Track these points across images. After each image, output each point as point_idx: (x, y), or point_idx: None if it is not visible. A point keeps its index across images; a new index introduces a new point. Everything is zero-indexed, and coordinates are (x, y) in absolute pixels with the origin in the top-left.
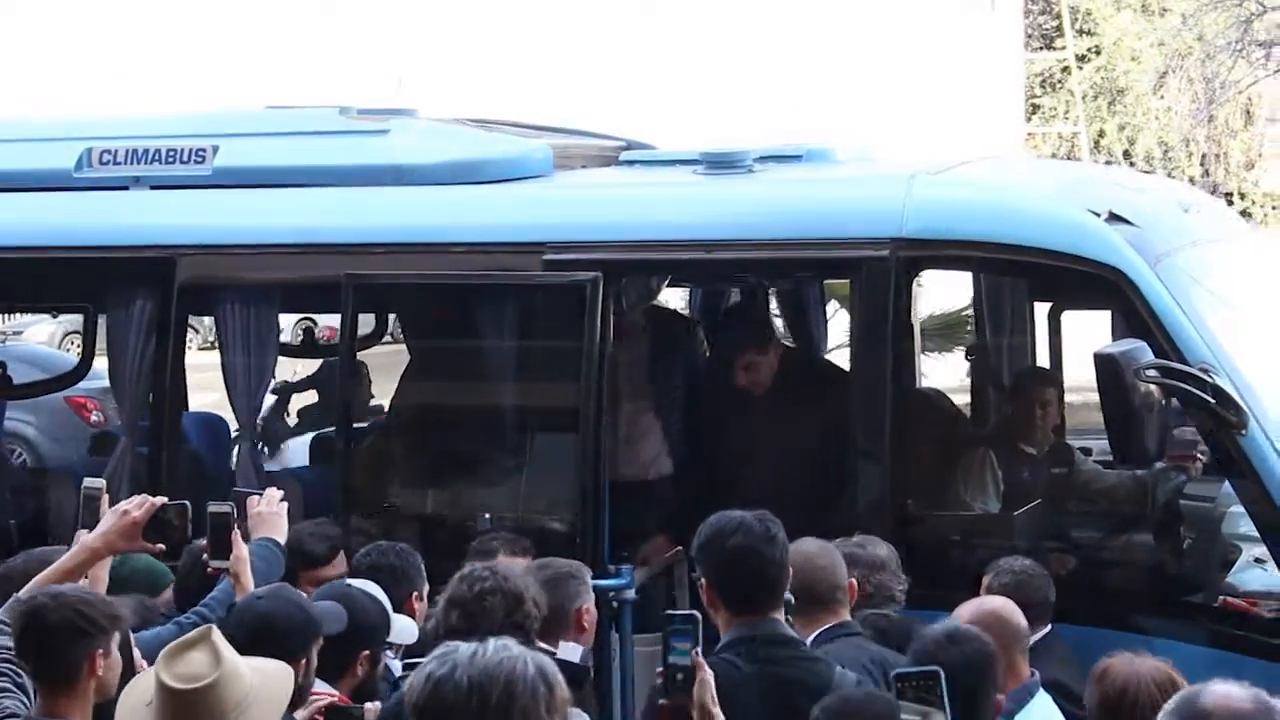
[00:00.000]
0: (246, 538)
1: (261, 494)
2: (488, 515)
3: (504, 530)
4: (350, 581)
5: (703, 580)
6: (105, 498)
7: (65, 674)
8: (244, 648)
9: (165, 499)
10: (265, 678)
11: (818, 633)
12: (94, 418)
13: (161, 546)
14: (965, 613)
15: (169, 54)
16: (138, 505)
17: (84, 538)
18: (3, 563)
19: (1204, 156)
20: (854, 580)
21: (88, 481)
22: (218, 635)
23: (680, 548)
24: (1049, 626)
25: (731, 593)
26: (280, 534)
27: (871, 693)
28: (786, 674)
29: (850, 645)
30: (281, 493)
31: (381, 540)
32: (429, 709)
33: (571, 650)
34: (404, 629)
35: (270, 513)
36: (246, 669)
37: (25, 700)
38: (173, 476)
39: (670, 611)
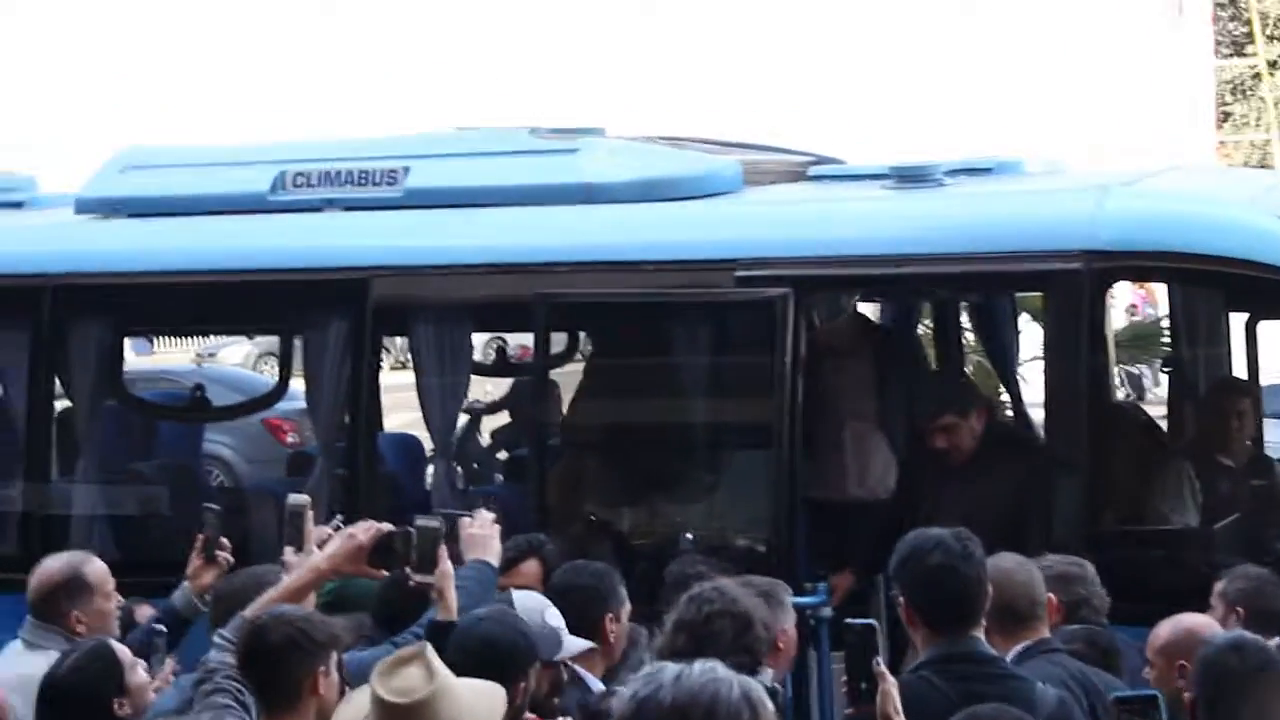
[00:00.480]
0: (458, 559)
1: (473, 515)
2: (689, 535)
3: (701, 548)
4: (516, 595)
5: (901, 598)
6: (310, 514)
7: (287, 692)
8: (465, 669)
9: (390, 525)
10: (478, 696)
11: (1017, 650)
12: (290, 439)
13: (385, 572)
14: (1163, 631)
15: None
16: (364, 530)
17: (311, 559)
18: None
19: None
20: (1052, 596)
21: (292, 498)
22: (431, 652)
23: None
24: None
25: (930, 611)
26: (493, 555)
27: (1000, 707)
28: (985, 692)
29: (1051, 662)
30: (493, 515)
31: (578, 559)
32: None
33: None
34: (574, 648)
35: (483, 534)
36: (461, 687)
37: (248, 718)
38: (370, 497)
39: (849, 621)
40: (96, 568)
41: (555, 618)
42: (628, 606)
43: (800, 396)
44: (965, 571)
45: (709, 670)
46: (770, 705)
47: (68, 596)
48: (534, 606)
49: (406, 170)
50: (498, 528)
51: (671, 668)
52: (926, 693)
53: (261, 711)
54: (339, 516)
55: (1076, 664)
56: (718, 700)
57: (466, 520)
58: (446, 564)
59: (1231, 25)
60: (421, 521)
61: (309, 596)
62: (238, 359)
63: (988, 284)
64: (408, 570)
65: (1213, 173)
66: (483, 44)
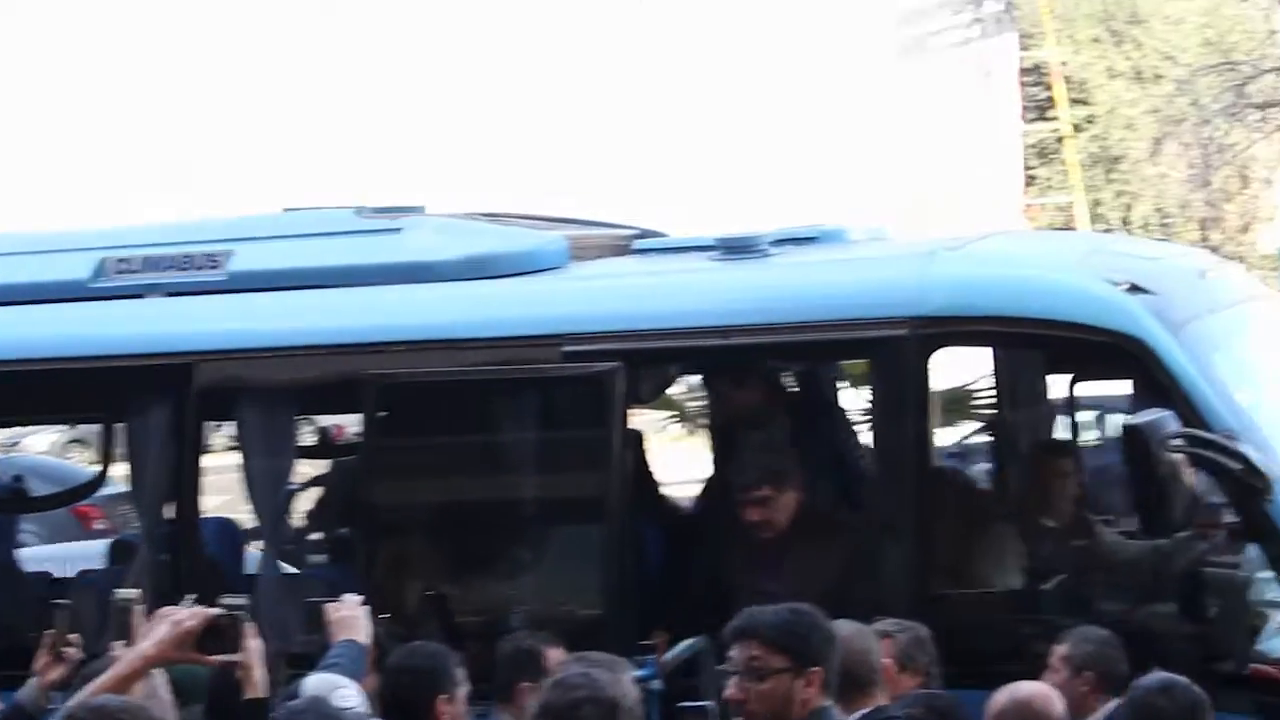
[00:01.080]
0: (327, 643)
1: (338, 600)
2: (519, 612)
3: (533, 624)
4: (307, 680)
5: (815, 669)
6: (138, 608)
7: None
8: None
9: (219, 609)
10: None
11: (857, 716)
12: (97, 526)
13: (215, 658)
14: (1000, 699)
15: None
16: (192, 614)
17: (139, 646)
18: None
19: (1201, 221)
20: (889, 661)
21: (120, 592)
22: None
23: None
24: (1118, 699)
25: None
26: (361, 635)
27: None
28: None
29: None
30: (360, 597)
31: (413, 640)
32: None
33: None
34: None
35: (351, 615)
36: None
37: None
38: (192, 583)
39: (682, 705)
40: None
41: (345, 698)
42: (464, 688)
43: (630, 469)
44: None
45: None
46: None
47: None
48: (325, 688)
49: (230, 254)
50: (365, 609)
51: None
52: None
53: None
54: (191, 597)
55: None
56: None
57: (331, 606)
58: (253, 642)
59: (1035, 89)
60: (228, 600)
61: (158, 684)
62: (43, 446)
63: (817, 353)
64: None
65: (1037, 237)
66: (299, 123)
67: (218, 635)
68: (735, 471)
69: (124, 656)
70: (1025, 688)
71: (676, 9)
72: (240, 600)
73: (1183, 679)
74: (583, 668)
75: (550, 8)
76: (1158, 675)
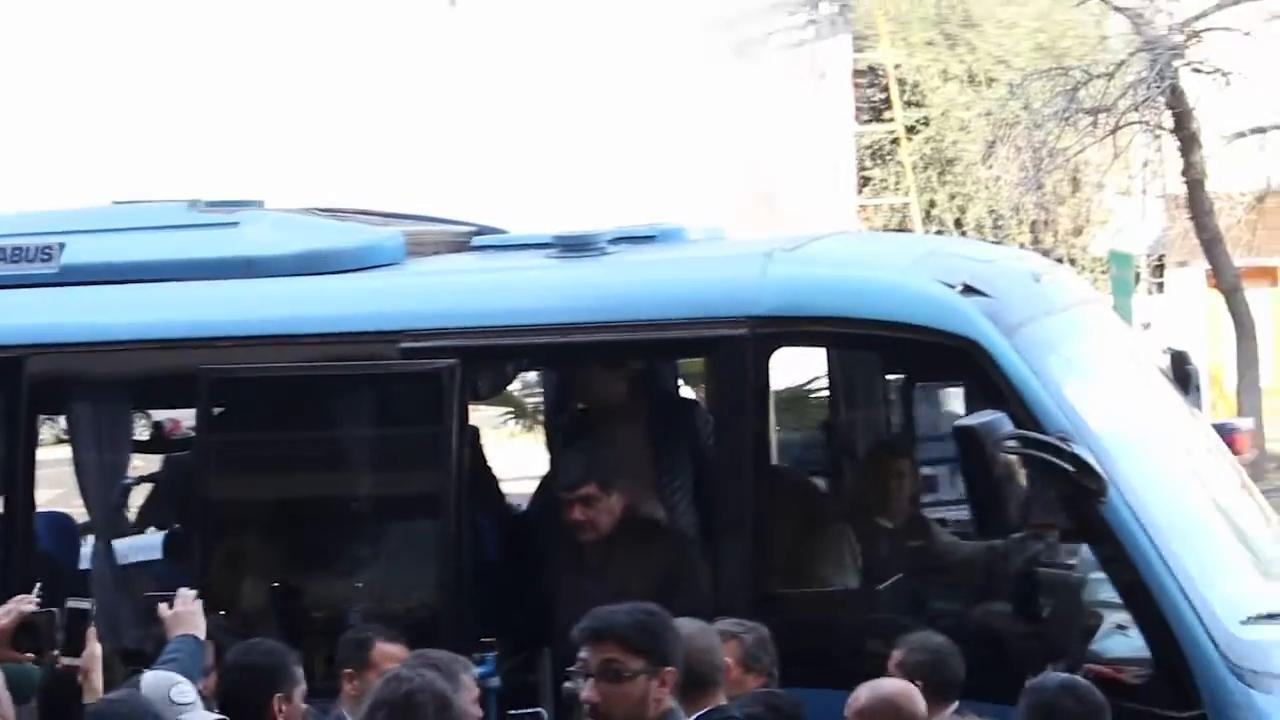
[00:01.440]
0: (163, 639)
1: (173, 597)
2: (357, 609)
3: (373, 620)
4: (145, 675)
5: (669, 669)
6: None
7: None
8: None
9: (34, 606)
10: None
11: (698, 715)
12: None
13: (30, 655)
14: (862, 697)
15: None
16: (4, 613)
17: None
18: None
19: (1033, 223)
20: (730, 660)
21: None
22: None
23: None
24: (956, 703)
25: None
26: (198, 630)
27: None
28: None
29: None
30: (195, 592)
31: (252, 637)
32: None
33: None
34: None
35: (186, 611)
36: None
37: None
38: (25, 579)
39: (513, 712)
40: None
41: (183, 695)
42: (302, 686)
43: (468, 465)
44: None
45: None
46: None
47: None
48: (161, 685)
49: (62, 246)
50: (200, 603)
51: None
52: None
53: None
54: (39, 584)
55: None
56: None
57: (164, 606)
58: (95, 646)
59: (870, 91)
60: (72, 603)
61: None
62: None
63: (653, 351)
64: (55, 653)
65: (873, 238)
66: (134, 116)
67: (32, 633)
68: (561, 469)
69: None
70: (888, 684)
71: (519, 7)
72: (83, 604)
73: (1081, 679)
74: (418, 663)
75: (392, 5)
76: (1055, 676)
